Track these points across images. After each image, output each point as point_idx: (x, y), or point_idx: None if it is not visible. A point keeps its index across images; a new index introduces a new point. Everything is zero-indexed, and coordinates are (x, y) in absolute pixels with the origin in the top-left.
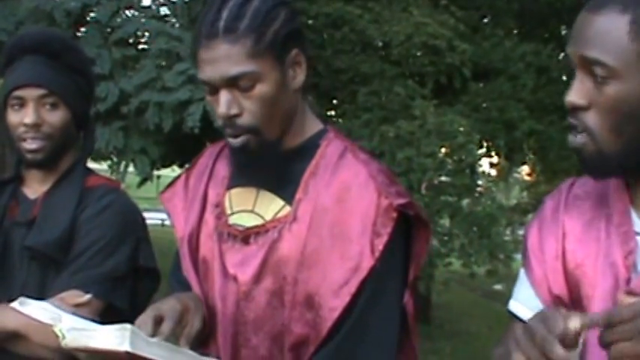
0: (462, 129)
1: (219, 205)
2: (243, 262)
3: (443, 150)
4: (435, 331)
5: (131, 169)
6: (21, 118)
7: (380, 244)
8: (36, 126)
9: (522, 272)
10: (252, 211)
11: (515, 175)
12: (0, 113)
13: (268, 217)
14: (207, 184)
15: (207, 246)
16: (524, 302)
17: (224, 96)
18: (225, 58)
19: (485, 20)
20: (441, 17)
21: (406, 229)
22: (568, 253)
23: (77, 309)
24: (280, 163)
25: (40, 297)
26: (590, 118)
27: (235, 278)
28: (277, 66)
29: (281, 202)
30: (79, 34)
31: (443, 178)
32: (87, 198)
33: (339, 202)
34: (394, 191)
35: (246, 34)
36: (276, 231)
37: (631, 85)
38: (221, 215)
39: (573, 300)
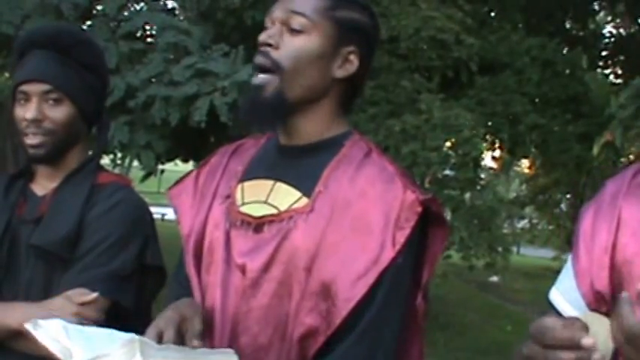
0: (467, 123)
1: (230, 196)
2: (253, 250)
3: (448, 144)
4: (429, 322)
5: (135, 163)
6: (24, 113)
7: (402, 237)
8: (37, 121)
9: (570, 259)
10: (265, 202)
11: (516, 168)
12: (1, 107)
13: (283, 207)
14: (219, 181)
15: (214, 236)
16: (564, 293)
17: (272, 28)
18: None
19: (492, 14)
20: (449, 11)
21: (422, 229)
22: (619, 246)
23: (83, 307)
24: (302, 156)
25: (46, 294)
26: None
27: (243, 267)
28: (331, 41)
29: (297, 194)
30: (85, 27)
31: (447, 172)
32: (96, 195)
33: (363, 196)
34: (418, 189)
35: None
36: (291, 221)
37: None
38: (231, 206)
39: (615, 299)
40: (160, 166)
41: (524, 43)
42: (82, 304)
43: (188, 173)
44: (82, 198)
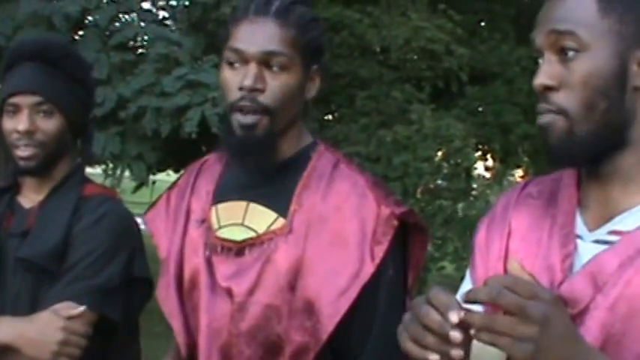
0: (458, 133)
1: (205, 220)
2: (237, 274)
3: (439, 154)
4: None
5: (126, 173)
6: (15, 124)
7: (380, 252)
8: (29, 133)
9: (468, 270)
10: (242, 225)
11: (509, 177)
12: None
13: (261, 229)
14: (189, 200)
15: (193, 262)
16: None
17: (253, 68)
18: (269, 35)
19: (482, 24)
20: (439, 21)
21: (403, 237)
22: (510, 253)
23: (70, 321)
24: (271, 175)
25: (33, 307)
26: (562, 98)
27: (229, 291)
28: (303, 68)
29: (273, 215)
30: (76, 38)
31: (439, 182)
32: (83, 207)
33: (338, 211)
34: (392, 201)
35: (293, 25)
36: (272, 243)
37: (600, 59)
38: (209, 230)
39: None
40: (152, 177)
41: (515, 53)
42: (69, 317)
43: (160, 197)
44: (69, 211)
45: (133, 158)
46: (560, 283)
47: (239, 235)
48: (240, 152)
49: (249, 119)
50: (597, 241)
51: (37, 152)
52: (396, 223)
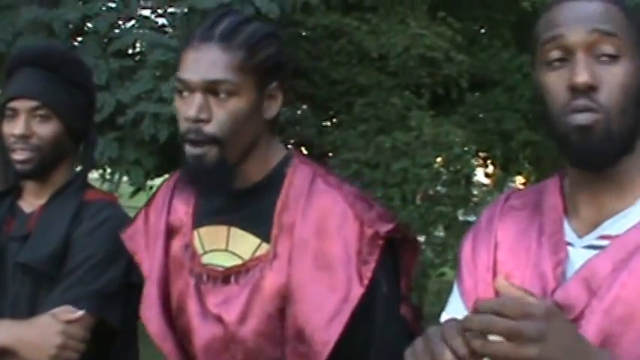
0: (458, 139)
1: (188, 246)
2: (226, 302)
3: (439, 160)
4: None
5: (124, 178)
6: (12, 129)
7: (368, 272)
8: (24, 137)
9: (455, 284)
10: (226, 250)
11: (510, 184)
12: None
13: (246, 255)
14: (167, 219)
15: (179, 286)
16: (453, 314)
17: (198, 98)
18: (213, 62)
19: (482, 31)
20: (439, 29)
21: (393, 247)
22: (499, 264)
23: (69, 325)
24: (248, 198)
25: (32, 311)
26: (604, 98)
27: (219, 318)
28: (257, 90)
29: (256, 240)
30: (76, 44)
31: (438, 189)
32: (83, 213)
33: (319, 233)
34: (375, 215)
35: (240, 47)
36: (257, 270)
37: (633, 67)
38: (194, 256)
39: None
40: (150, 182)
41: (516, 60)
42: (68, 322)
43: (137, 214)
44: (69, 216)
45: (131, 163)
46: (554, 291)
47: (224, 261)
48: (193, 182)
49: (197, 150)
50: (588, 247)
51: (33, 156)
52: (381, 242)
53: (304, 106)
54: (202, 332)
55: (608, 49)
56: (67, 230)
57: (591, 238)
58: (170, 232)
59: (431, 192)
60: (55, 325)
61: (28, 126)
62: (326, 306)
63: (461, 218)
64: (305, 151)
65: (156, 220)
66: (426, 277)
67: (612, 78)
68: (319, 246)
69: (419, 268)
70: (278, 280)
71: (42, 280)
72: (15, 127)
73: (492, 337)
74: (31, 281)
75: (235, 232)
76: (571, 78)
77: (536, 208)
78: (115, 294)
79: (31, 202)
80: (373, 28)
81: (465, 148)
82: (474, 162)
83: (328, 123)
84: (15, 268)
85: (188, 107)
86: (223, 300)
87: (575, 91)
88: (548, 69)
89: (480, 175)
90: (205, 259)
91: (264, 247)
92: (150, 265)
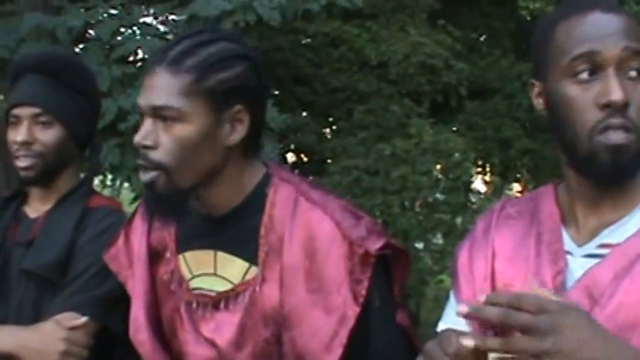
0: (457, 147)
1: (174, 271)
2: (218, 328)
3: (438, 167)
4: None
5: (125, 185)
6: (15, 135)
7: (362, 290)
8: (27, 144)
9: (452, 293)
10: (214, 274)
11: (508, 191)
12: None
13: (236, 280)
14: (147, 241)
15: (168, 310)
16: (450, 324)
17: (145, 125)
18: (159, 87)
19: (482, 39)
20: (438, 37)
21: (384, 259)
22: (497, 273)
23: (72, 331)
24: (230, 223)
25: (36, 317)
26: (634, 115)
27: (214, 343)
28: (210, 115)
29: (245, 264)
30: (78, 51)
31: (437, 196)
32: (87, 219)
33: (308, 255)
34: (365, 232)
35: (189, 71)
36: (247, 294)
37: None
38: (181, 281)
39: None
40: None
41: (515, 69)
42: (72, 328)
43: (118, 235)
44: (73, 222)
45: (132, 170)
46: None
47: (214, 285)
48: (150, 209)
49: (146, 176)
50: (588, 256)
51: (36, 162)
52: (373, 260)
53: (304, 113)
54: (197, 357)
55: (635, 65)
56: (71, 237)
57: (591, 247)
58: (153, 256)
59: (430, 199)
60: (58, 331)
61: (30, 133)
62: (324, 329)
63: (459, 226)
64: (305, 158)
65: (137, 243)
66: (424, 284)
67: (638, 95)
68: (310, 268)
69: (417, 274)
70: (269, 303)
71: (46, 286)
72: (18, 134)
73: (493, 356)
74: (35, 287)
75: (222, 256)
76: (605, 95)
77: (532, 216)
78: (118, 300)
79: (36, 207)
80: (373, 36)
81: (464, 156)
82: (473, 169)
83: (328, 130)
84: (19, 273)
85: (138, 134)
86: (215, 326)
87: (611, 108)
88: (573, 82)
89: (477, 183)
90: (194, 284)
91: (254, 271)
92: (135, 286)
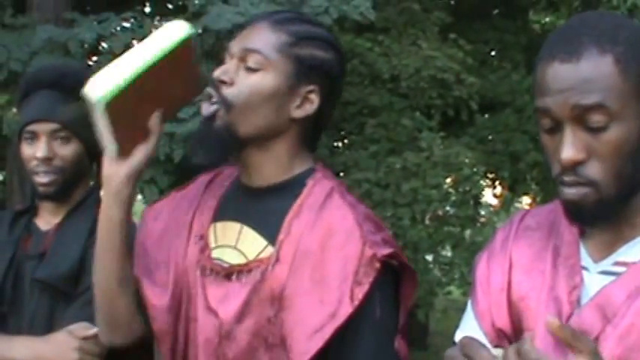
0: (467, 161)
1: (203, 237)
2: (224, 299)
3: (448, 181)
4: (431, 357)
5: (139, 197)
6: (33, 151)
7: (360, 293)
8: (47, 160)
9: (469, 304)
10: (234, 247)
11: (517, 204)
12: (9, 142)
13: (251, 256)
14: (194, 212)
15: (191, 278)
16: (468, 334)
17: (228, 64)
18: (256, 35)
19: (493, 54)
20: (450, 51)
21: (395, 277)
22: (514, 285)
23: (85, 342)
24: (265, 198)
25: (49, 327)
26: (593, 170)
27: (216, 313)
28: (289, 79)
29: (264, 242)
30: (91, 63)
31: (447, 209)
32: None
33: (322, 247)
34: (380, 239)
35: (289, 33)
36: (258, 272)
37: (629, 124)
38: (205, 248)
39: (516, 333)
40: None
41: (525, 82)
42: (85, 338)
43: (166, 196)
44: (85, 232)
45: (146, 182)
46: (569, 316)
47: (231, 258)
48: (198, 144)
49: (209, 109)
50: (603, 272)
51: (56, 178)
52: (378, 265)
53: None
54: (203, 327)
55: (595, 119)
56: (83, 247)
57: (607, 264)
58: (191, 231)
59: (440, 212)
60: (71, 341)
61: (50, 148)
62: (312, 319)
63: (467, 238)
64: None
65: (185, 208)
66: (433, 296)
67: (603, 147)
68: (320, 259)
69: (426, 286)
70: (277, 284)
71: (59, 296)
72: (37, 150)
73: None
74: (49, 298)
75: (247, 231)
76: (558, 152)
77: (551, 228)
78: None
79: (47, 220)
80: (385, 50)
81: (474, 169)
82: (483, 183)
83: (340, 143)
84: (32, 285)
85: (218, 69)
86: (223, 296)
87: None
88: (542, 130)
89: (487, 196)
90: (215, 254)
91: (269, 250)
92: (171, 257)
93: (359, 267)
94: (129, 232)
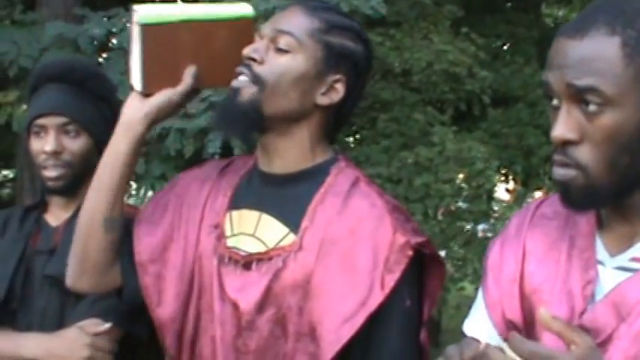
0: (480, 155)
1: (218, 226)
2: (243, 289)
3: (460, 176)
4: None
5: (150, 193)
6: (42, 145)
7: (391, 281)
8: (56, 154)
9: (480, 292)
10: (252, 236)
11: (529, 199)
12: (19, 138)
13: (271, 244)
14: (207, 196)
15: (205, 267)
16: (475, 323)
17: (262, 43)
18: (289, 18)
19: (505, 47)
20: (462, 45)
21: (419, 268)
22: (526, 276)
23: (97, 338)
24: (286, 186)
25: (59, 323)
26: (583, 153)
27: (235, 304)
28: (318, 65)
29: (285, 229)
30: (101, 60)
31: (460, 204)
32: None
33: (351, 234)
34: (410, 228)
35: (321, 19)
36: (280, 259)
37: (627, 112)
38: (220, 237)
39: (527, 325)
40: None
41: (538, 76)
42: (96, 334)
43: (196, 166)
44: None
45: (157, 178)
46: (582, 312)
47: (249, 246)
48: (222, 114)
49: (237, 82)
50: (619, 268)
51: (65, 172)
52: (410, 252)
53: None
54: (221, 318)
55: (591, 101)
56: None
57: (623, 259)
58: (203, 220)
59: (452, 207)
60: (83, 337)
61: (58, 142)
62: (342, 307)
63: (480, 234)
64: None
65: (195, 191)
66: (446, 291)
67: (596, 132)
68: (349, 247)
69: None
70: (300, 272)
71: (69, 292)
72: (46, 144)
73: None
74: (59, 294)
75: (266, 218)
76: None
77: (568, 217)
78: (141, 306)
79: (57, 215)
80: (397, 44)
81: (487, 164)
82: (495, 177)
83: (351, 138)
84: (43, 281)
85: (248, 47)
86: (242, 285)
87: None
88: (551, 108)
89: (500, 191)
90: (230, 242)
91: (291, 238)
92: (178, 245)
93: (390, 254)
94: (129, 174)
